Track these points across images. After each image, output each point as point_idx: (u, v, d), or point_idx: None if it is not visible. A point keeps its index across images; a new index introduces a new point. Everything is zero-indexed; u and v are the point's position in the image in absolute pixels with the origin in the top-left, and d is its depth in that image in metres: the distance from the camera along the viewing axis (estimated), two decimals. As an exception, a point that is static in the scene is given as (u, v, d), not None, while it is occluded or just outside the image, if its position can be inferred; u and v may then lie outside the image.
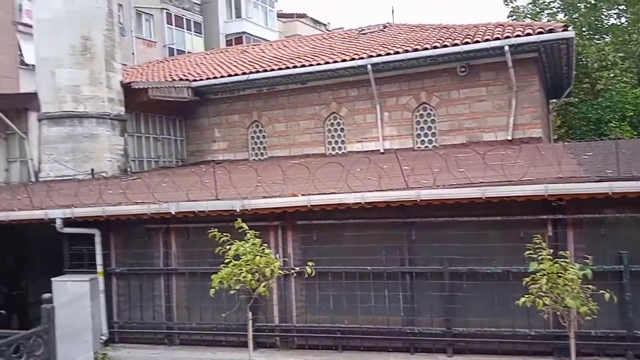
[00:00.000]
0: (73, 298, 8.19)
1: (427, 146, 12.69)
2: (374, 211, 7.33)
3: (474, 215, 7.19)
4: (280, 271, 6.52)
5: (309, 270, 6.41)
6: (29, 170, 12.10)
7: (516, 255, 6.79)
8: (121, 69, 13.28)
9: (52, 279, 8.42)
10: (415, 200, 6.98)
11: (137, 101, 13.04)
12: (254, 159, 14.45)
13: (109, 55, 12.42)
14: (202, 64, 17.10)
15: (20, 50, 21.41)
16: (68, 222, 8.19)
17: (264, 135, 14.49)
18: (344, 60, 12.74)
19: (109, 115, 12.21)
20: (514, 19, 22.08)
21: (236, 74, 13.98)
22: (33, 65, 18.68)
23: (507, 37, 11.32)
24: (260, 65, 14.21)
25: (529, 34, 11.20)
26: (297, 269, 7.10)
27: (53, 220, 8.10)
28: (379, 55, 12.39)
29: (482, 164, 7.48)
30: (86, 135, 11.81)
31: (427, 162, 8.51)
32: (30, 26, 19.83)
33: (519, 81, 11.68)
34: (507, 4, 22.83)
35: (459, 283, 7.31)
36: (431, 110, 12.71)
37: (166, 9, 28.95)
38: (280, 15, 38.64)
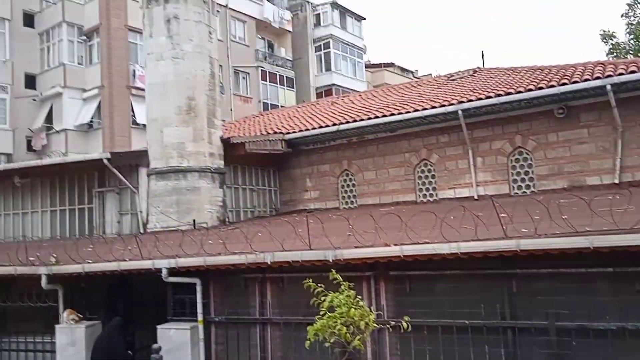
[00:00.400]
0: (175, 345, 8.44)
1: (524, 192, 12.10)
2: (471, 262, 7.00)
3: (581, 267, 6.62)
4: (375, 324, 6.35)
5: (404, 325, 6.18)
6: (138, 221, 12.99)
7: (632, 310, 6.15)
8: (221, 125, 14.07)
9: (157, 326, 8.76)
10: (516, 251, 6.59)
11: (235, 154, 13.72)
12: (344, 208, 14.52)
13: (211, 113, 13.26)
14: (294, 117, 17.72)
15: (132, 111, 23.59)
16: (172, 271, 8.54)
17: (354, 184, 14.56)
18: (434, 107, 12.66)
19: (209, 169, 12.90)
20: (614, 57, 20.94)
21: (327, 125, 14.32)
22: (143, 124, 20.46)
23: (609, 75, 10.67)
24: (350, 116, 14.47)
25: (633, 72, 10.51)
26: (393, 322, 6.88)
27: (159, 270, 8.51)
28: (470, 100, 12.18)
29: (587, 210, 6.96)
30: (189, 188, 12.52)
31: (526, 209, 8.08)
32: (142, 89, 21.84)
33: (624, 121, 10.93)
34: (605, 42, 21.73)
35: (567, 340, 6.71)
36: (527, 154, 12.18)
37: (261, 67, 30.68)
38: (368, 66, 39.54)
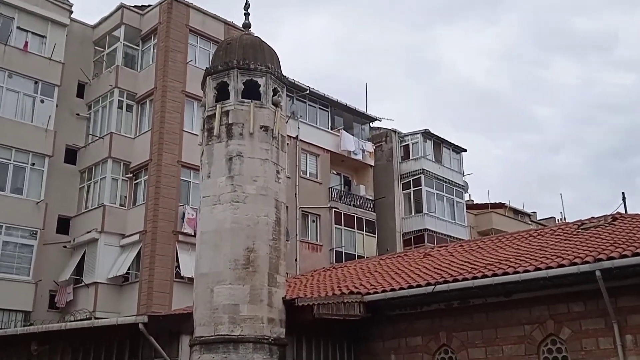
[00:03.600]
0: None
1: (699, 386, 11.02)
2: None
3: None
4: None
5: None
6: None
7: None
8: (284, 282, 14.18)
9: None
10: None
11: (300, 320, 13.53)
12: (444, 398, 13.76)
13: (273, 268, 13.45)
14: (375, 271, 17.63)
15: (177, 261, 24.44)
16: None
17: (456, 365, 13.92)
18: (562, 266, 12.24)
19: (267, 339, 12.74)
20: None
21: (418, 285, 14.03)
22: (188, 278, 20.94)
23: None
24: (449, 273, 14.22)
25: None
26: None
27: None
28: (611, 257, 11.71)
29: None
30: (240, 365, 12.37)
31: None
32: (191, 236, 22.90)
33: None
34: None
35: None
36: (699, 332, 11.29)
37: (335, 208, 31.59)
38: (471, 207, 39.82)
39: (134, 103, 27.74)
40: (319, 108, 33.54)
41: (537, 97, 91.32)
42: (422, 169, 34.08)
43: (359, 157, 33.55)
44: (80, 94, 28.54)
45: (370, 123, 36.08)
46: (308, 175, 31.36)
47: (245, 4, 15.90)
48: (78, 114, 28.04)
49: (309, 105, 33.14)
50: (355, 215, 32.32)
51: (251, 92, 14.63)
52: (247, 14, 15.93)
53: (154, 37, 28.01)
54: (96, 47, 29.44)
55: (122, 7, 28.61)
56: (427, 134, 35.49)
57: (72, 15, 28.29)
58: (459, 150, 37.36)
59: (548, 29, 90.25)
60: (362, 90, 73.85)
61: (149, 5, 29.04)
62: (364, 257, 28.93)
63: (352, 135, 33.99)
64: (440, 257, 17.47)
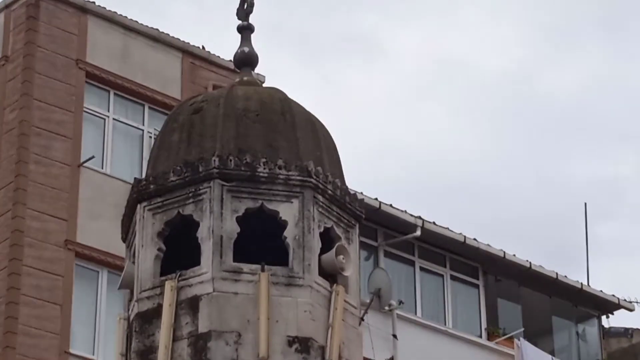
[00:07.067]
0: None
1: None
2: None
3: None
4: None
5: None
6: None
7: None
8: None
9: None
10: None
11: None
12: None
13: None
14: None
15: None
16: None
17: None
18: None
19: None
20: None
21: None
22: None
23: None
24: None
25: None
26: None
27: None
28: None
29: None
30: None
31: None
32: None
33: None
34: None
35: None
36: None
37: None
38: None
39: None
40: (453, 278, 30.22)
41: None
42: None
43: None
44: None
45: (604, 316, 32.92)
46: None
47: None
48: None
49: (421, 268, 29.34)
50: None
51: (261, 240, 12.25)
52: (244, 27, 12.07)
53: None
54: None
55: None
56: None
57: None
58: None
59: None
60: (563, 221, 59.99)
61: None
62: None
63: (551, 355, 30.70)
64: None
